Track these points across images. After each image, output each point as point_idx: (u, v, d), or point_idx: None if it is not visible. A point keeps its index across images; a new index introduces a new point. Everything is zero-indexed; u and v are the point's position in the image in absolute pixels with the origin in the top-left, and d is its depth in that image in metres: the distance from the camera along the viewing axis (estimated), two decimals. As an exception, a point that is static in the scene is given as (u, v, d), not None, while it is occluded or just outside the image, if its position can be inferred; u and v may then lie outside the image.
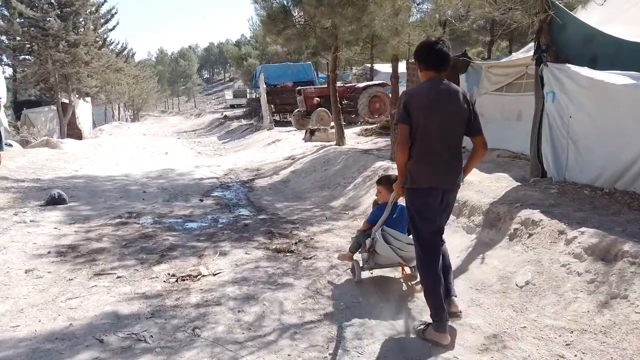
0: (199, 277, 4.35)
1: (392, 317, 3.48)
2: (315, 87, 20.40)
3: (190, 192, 8.69)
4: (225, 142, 19.41)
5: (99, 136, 24.65)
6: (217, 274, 4.44)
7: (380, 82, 20.14)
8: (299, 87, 19.50)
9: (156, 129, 36.18)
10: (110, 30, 28.05)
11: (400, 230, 3.86)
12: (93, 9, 24.98)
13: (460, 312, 3.33)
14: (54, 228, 6.00)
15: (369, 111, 18.61)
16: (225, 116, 35.16)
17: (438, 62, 2.99)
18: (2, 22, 20.58)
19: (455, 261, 4.51)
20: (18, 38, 21.31)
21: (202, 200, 7.90)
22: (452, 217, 5.35)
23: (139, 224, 6.36)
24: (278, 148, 13.72)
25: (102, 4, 25.91)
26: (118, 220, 6.51)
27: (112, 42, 30.85)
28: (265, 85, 19.91)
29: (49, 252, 5.03)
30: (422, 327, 3.12)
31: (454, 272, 4.33)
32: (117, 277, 4.35)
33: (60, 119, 22.39)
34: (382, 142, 12.42)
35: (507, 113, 8.49)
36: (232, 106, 47.03)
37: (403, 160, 3.04)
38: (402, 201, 3.55)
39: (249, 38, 38.04)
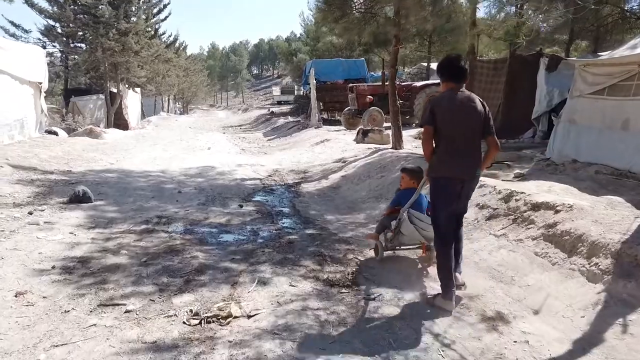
0: (229, 319, 3.31)
1: None
2: (368, 84, 19.19)
3: (230, 194, 7.73)
4: (270, 139, 18.52)
5: (145, 127, 24.39)
6: (253, 315, 3.39)
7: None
8: (351, 84, 18.34)
9: (203, 122, 35.95)
10: (162, 20, 27.86)
11: (421, 212, 4.26)
12: (146, -2, 24.79)
13: (464, 284, 3.73)
14: (69, 233, 5.13)
15: (425, 113, 17.24)
16: (272, 112, 34.53)
17: (458, 75, 3.56)
18: (55, 9, 20.52)
19: (579, 322, 3.26)
20: (71, 25, 21.21)
21: (241, 206, 6.90)
22: (562, 254, 4.09)
23: (167, 232, 5.42)
24: (327, 148, 12.63)
25: (156, -6, 25.67)
26: (144, 226, 5.60)
27: (164, 33, 30.73)
28: (315, 81, 18.88)
29: (53, 267, 4.14)
30: (431, 296, 3.69)
31: (583, 338, 3.09)
32: (126, 312, 3.37)
33: (107, 108, 22.22)
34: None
35: (610, 121, 7.03)
36: (279, 102, 46.57)
37: (428, 154, 3.63)
38: (424, 189, 4.23)
39: (298, 35, 37.00)
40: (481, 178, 4.79)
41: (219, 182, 8.73)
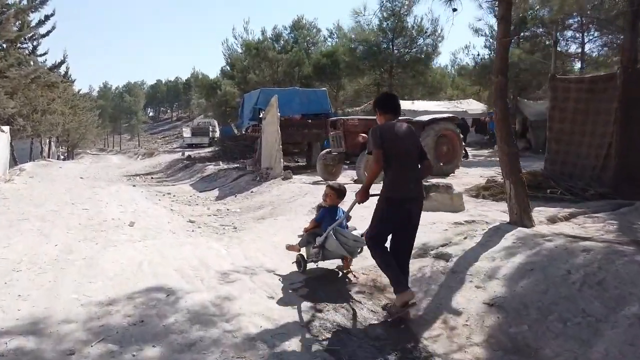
0: None
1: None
2: (359, 117, 14.20)
3: None
4: (217, 197, 12.52)
5: (14, 180, 16.89)
6: None
7: (449, 115, 14.34)
8: (335, 118, 13.21)
9: (97, 170, 28.31)
10: (44, 36, 20.87)
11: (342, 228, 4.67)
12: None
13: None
14: None
15: (435, 157, 12.62)
16: (189, 157, 28.16)
17: (394, 109, 4.11)
18: None
19: None
20: None
21: None
22: None
23: None
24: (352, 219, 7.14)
25: (34, -1, 18.79)
26: None
27: (46, 53, 23.43)
28: (278, 114, 13.40)
29: None
30: (389, 303, 4.09)
31: None
32: None
33: (-51, 152, 14.76)
34: (589, 222, 6.33)
35: None
36: (190, 145, 40.09)
37: (374, 176, 3.92)
38: (342, 206, 4.93)
39: (193, 74, 31.44)
40: None
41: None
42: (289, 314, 3.93)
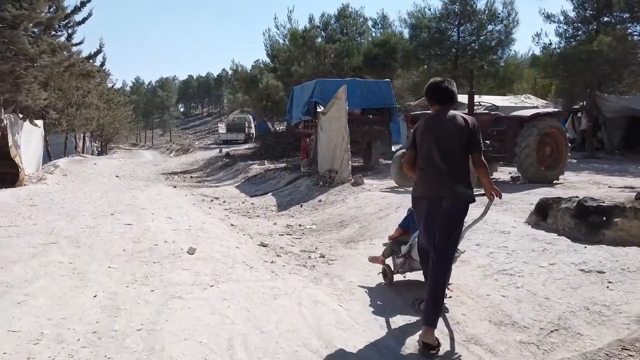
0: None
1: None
2: None
3: None
4: (267, 201, 10.59)
5: (46, 179, 15.45)
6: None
7: (554, 109, 12.09)
8: (416, 113, 11.20)
9: (131, 166, 26.97)
10: (79, 23, 19.40)
11: None
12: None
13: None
14: None
15: (537, 160, 10.43)
16: (227, 154, 26.55)
17: (442, 98, 3.63)
18: None
19: None
20: None
21: None
22: None
23: None
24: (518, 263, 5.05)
25: (68, -18, 17.31)
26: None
27: (81, 42, 22.00)
28: (347, 108, 11.42)
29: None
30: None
31: None
32: None
33: (-26, 149, 13.32)
34: None
35: None
36: (226, 142, 38.62)
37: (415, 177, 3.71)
38: None
39: (232, 67, 29.06)
40: None
41: None
42: None
